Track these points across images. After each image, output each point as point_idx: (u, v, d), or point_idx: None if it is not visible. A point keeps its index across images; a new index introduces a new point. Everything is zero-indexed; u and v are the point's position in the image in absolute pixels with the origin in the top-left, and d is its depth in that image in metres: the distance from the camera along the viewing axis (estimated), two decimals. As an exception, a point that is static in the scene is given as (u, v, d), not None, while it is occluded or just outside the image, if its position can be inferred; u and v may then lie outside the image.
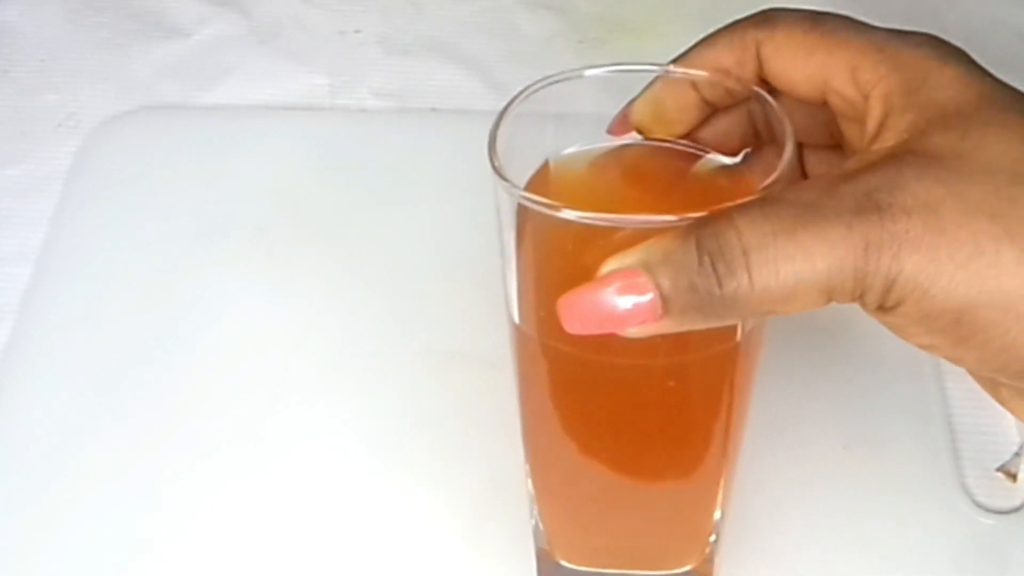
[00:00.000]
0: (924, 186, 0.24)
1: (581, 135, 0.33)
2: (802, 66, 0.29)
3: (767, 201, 0.25)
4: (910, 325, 0.25)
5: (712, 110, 0.32)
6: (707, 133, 0.33)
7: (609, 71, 0.32)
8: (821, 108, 0.30)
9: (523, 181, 0.31)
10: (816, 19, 0.30)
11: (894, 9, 0.56)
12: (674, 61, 0.32)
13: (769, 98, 0.30)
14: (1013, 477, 0.41)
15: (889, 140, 0.26)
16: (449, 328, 0.45)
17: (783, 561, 0.39)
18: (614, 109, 0.33)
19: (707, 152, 0.33)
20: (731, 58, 0.31)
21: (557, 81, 0.31)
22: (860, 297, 0.25)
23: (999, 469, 0.41)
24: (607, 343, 0.27)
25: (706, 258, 0.24)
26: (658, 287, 0.25)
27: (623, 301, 0.25)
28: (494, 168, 0.29)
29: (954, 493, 0.40)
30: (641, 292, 0.25)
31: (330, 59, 0.56)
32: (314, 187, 0.50)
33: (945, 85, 0.27)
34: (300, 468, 0.42)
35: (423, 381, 0.44)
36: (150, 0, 0.59)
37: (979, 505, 0.40)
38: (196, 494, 0.41)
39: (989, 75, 0.28)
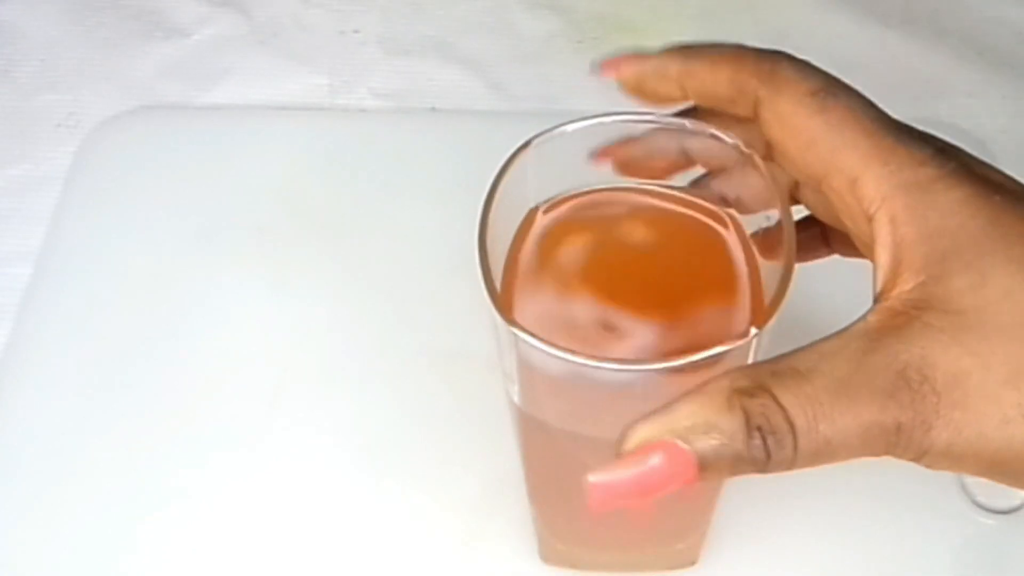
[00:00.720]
0: (952, 358, 0.25)
1: (565, 181, 0.32)
2: (800, 152, 0.29)
3: (802, 375, 0.25)
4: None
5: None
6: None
7: (590, 124, 0.31)
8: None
9: (510, 228, 0.31)
10: (823, 100, 0.28)
11: (893, 9, 0.56)
12: (673, 52, 0.31)
13: (764, 171, 0.30)
14: (1013, 477, 0.41)
15: (908, 282, 0.26)
16: (449, 328, 0.45)
17: (783, 561, 0.39)
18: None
19: (693, 198, 0.32)
20: (726, 93, 0.30)
21: (541, 142, 0.31)
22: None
23: (999, 469, 0.41)
24: (613, 424, 0.27)
25: (756, 435, 0.25)
26: (699, 457, 0.25)
27: (660, 475, 0.25)
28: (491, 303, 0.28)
29: (954, 493, 0.40)
30: (682, 464, 0.25)
31: (330, 59, 0.56)
32: (314, 187, 0.50)
33: (955, 210, 0.26)
34: (300, 467, 0.42)
35: (423, 381, 0.44)
36: (150, 0, 0.59)
37: (979, 505, 0.40)
38: (196, 494, 0.41)
39: (998, 189, 0.27)
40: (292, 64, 0.56)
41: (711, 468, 0.25)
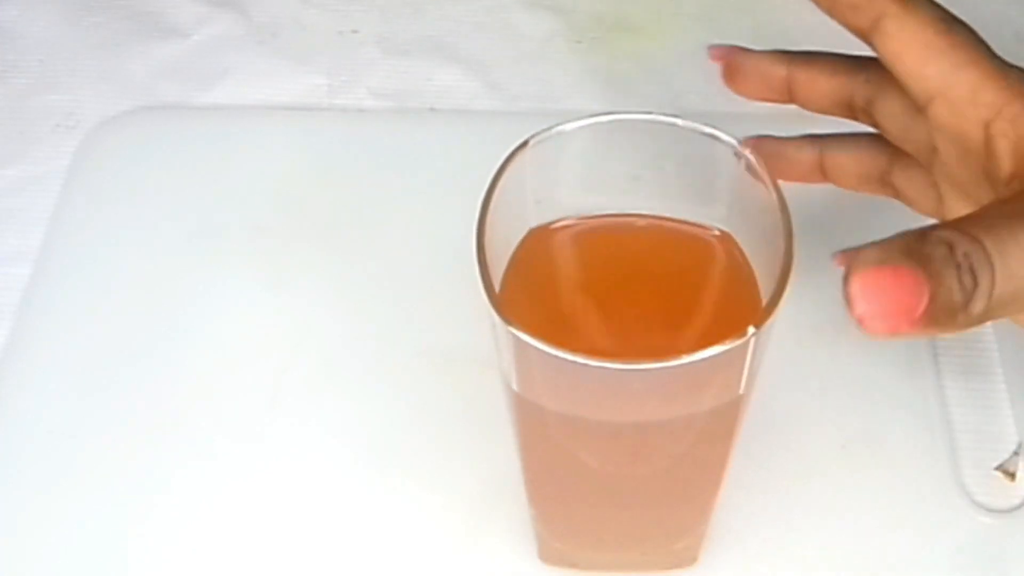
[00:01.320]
0: None
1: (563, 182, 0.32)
2: (921, 65, 0.31)
3: (981, 218, 0.27)
4: None
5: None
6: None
7: (587, 124, 0.31)
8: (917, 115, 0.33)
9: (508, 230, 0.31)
10: (949, 24, 0.31)
11: (892, 9, 0.56)
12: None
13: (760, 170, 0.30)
14: (1012, 476, 0.41)
15: None
16: (449, 328, 0.45)
17: (782, 561, 0.39)
18: (597, 159, 0.32)
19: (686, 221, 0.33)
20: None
21: (540, 141, 0.31)
22: None
23: (998, 468, 0.41)
24: (608, 404, 0.27)
25: (961, 262, 0.26)
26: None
27: (903, 288, 0.26)
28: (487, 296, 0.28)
29: (952, 492, 0.41)
30: (913, 280, 0.26)
31: (329, 59, 0.56)
32: (313, 187, 0.50)
33: None
34: (299, 467, 0.42)
35: (423, 381, 0.44)
36: (149, 0, 0.59)
37: (978, 504, 0.40)
38: (195, 494, 0.41)
39: None
40: (291, 64, 0.56)
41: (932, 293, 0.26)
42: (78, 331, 0.46)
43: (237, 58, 0.56)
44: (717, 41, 0.38)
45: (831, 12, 0.33)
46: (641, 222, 0.33)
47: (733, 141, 0.30)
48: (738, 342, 0.26)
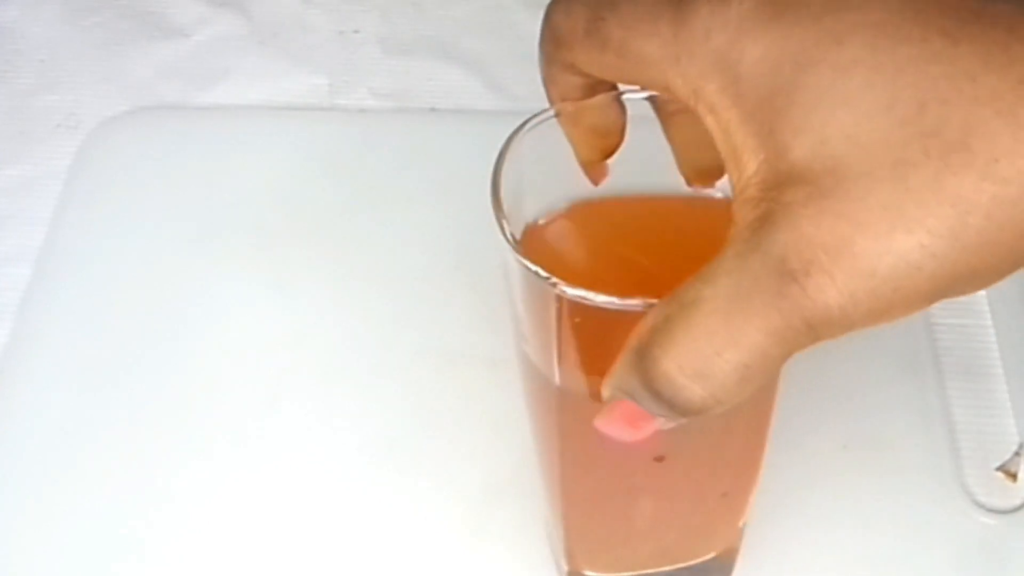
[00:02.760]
0: (827, 229, 0.22)
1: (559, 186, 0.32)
2: (624, 82, 0.28)
3: (687, 310, 0.23)
4: None
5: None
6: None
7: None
8: None
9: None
10: (598, 32, 0.26)
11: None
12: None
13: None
14: (1013, 476, 0.41)
15: (750, 164, 0.24)
16: (449, 328, 0.45)
17: (782, 561, 0.39)
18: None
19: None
20: (580, 83, 0.29)
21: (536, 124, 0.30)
22: None
23: (999, 468, 0.41)
24: None
25: (662, 398, 0.24)
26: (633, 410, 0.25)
27: (622, 429, 0.26)
28: (508, 240, 0.27)
29: (954, 493, 0.40)
30: (633, 415, 0.25)
31: (330, 59, 0.56)
32: (314, 187, 0.50)
33: (758, 71, 0.24)
34: (300, 467, 0.42)
35: (423, 381, 0.44)
36: (150, 0, 0.59)
37: (979, 505, 0.40)
38: (196, 494, 0.41)
39: (792, 20, 0.24)
40: (292, 64, 0.56)
41: (649, 419, 0.25)
42: (78, 331, 0.46)
43: (238, 58, 0.56)
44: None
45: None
46: (646, 199, 0.32)
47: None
48: None
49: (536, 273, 0.27)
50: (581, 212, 0.32)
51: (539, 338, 0.29)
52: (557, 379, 0.30)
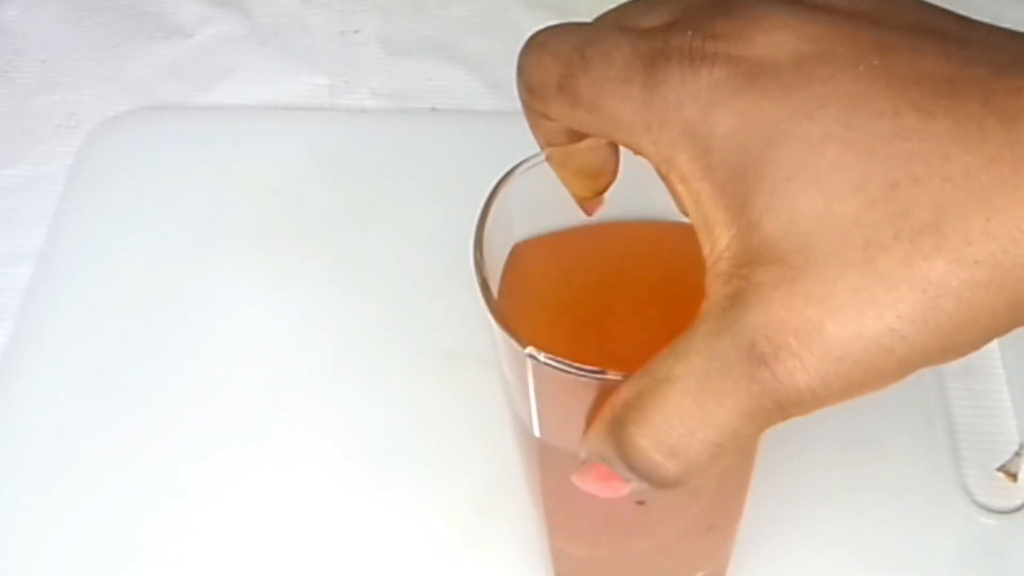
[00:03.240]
0: (796, 313, 0.22)
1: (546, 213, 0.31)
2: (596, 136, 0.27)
3: (660, 387, 0.23)
4: None
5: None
6: None
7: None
8: None
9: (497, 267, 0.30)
10: (570, 89, 0.25)
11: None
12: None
13: None
14: (1013, 477, 0.41)
15: (722, 238, 0.23)
16: (449, 328, 0.45)
17: (782, 562, 0.39)
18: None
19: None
20: (561, 129, 0.28)
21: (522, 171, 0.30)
22: None
23: (999, 469, 0.41)
24: None
25: (637, 471, 0.24)
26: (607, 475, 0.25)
27: (602, 480, 0.26)
28: (497, 323, 0.27)
29: (954, 493, 0.40)
30: (604, 480, 0.26)
31: (330, 59, 0.56)
32: (314, 187, 0.50)
33: (730, 144, 0.23)
34: (300, 467, 0.42)
35: (423, 381, 0.44)
36: (150, 0, 0.59)
37: (979, 505, 0.40)
38: (196, 494, 0.41)
39: (763, 90, 0.23)
40: (292, 64, 0.56)
41: (624, 484, 0.25)
42: (79, 331, 0.46)
43: (239, 58, 0.56)
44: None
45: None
46: (631, 226, 0.32)
47: None
48: None
49: (512, 340, 0.26)
50: (572, 235, 0.32)
51: (519, 391, 0.29)
52: (536, 431, 0.30)
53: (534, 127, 0.29)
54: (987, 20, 0.25)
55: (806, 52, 0.23)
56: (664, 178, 0.24)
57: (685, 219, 0.29)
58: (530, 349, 0.26)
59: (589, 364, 0.25)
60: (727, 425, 0.23)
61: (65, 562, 0.40)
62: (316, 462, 0.42)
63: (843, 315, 0.22)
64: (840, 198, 0.22)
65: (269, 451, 0.42)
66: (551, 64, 0.26)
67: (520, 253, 0.31)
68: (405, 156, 0.51)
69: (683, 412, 0.23)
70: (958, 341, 0.22)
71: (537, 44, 0.27)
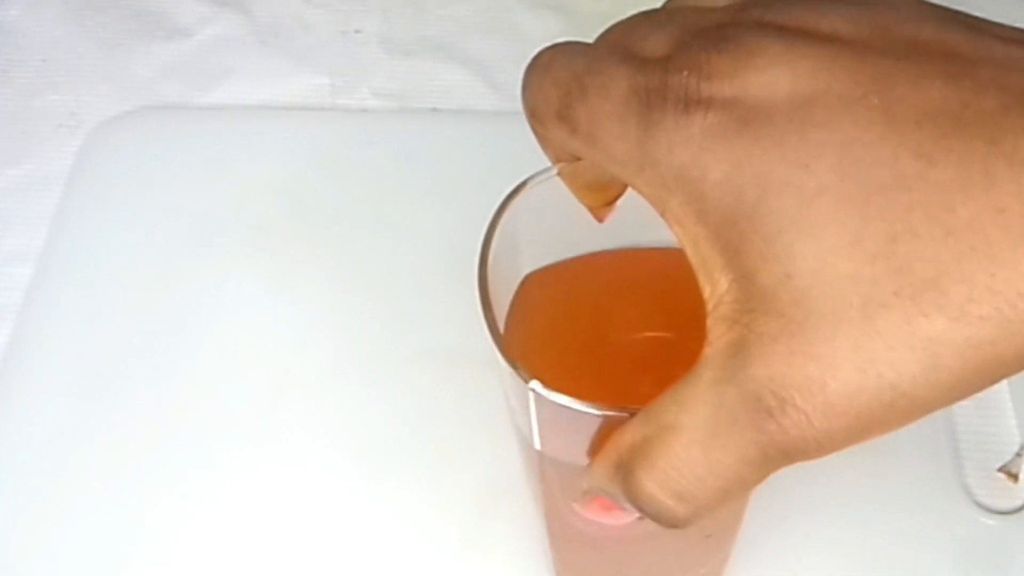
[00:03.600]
0: (798, 368, 0.22)
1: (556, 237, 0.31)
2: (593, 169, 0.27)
3: (667, 434, 0.24)
4: None
5: None
6: None
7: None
8: None
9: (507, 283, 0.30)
10: (568, 119, 0.25)
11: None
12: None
13: None
14: (1014, 477, 0.41)
15: (721, 283, 0.23)
16: (449, 328, 0.45)
17: (782, 562, 0.39)
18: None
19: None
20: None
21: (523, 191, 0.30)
22: None
23: (1000, 469, 0.41)
24: None
25: (644, 513, 0.25)
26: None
27: (605, 516, 0.27)
28: (502, 355, 0.27)
29: (955, 493, 0.40)
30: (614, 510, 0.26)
31: (331, 59, 0.56)
32: (315, 187, 0.50)
33: (722, 191, 0.23)
34: (300, 467, 0.42)
35: (423, 381, 0.44)
36: (151, 0, 0.59)
37: (980, 505, 0.40)
38: (196, 494, 0.41)
39: (756, 137, 0.22)
40: (293, 64, 0.56)
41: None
42: (80, 331, 0.46)
43: (239, 58, 0.56)
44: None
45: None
46: (640, 253, 0.32)
47: None
48: None
49: (515, 372, 0.26)
50: (582, 262, 0.32)
51: (520, 407, 0.29)
52: (537, 444, 0.30)
53: (542, 144, 0.29)
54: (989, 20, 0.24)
55: (802, 93, 0.22)
56: (661, 216, 0.24)
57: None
58: (534, 383, 0.26)
59: (595, 391, 0.25)
60: (734, 473, 0.23)
61: (65, 562, 0.40)
62: (316, 462, 0.42)
63: (843, 372, 0.22)
64: (836, 252, 0.21)
65: (269, 451, 0.42)
66: (551, 90, 0.26)
67: (530, 282, 0.31)
68: (405, 156, 0.51)
69: (691, 461, 0.23)
70: (963, 391, 0.22)
71: (540, 66, 0.27)
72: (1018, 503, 0.40)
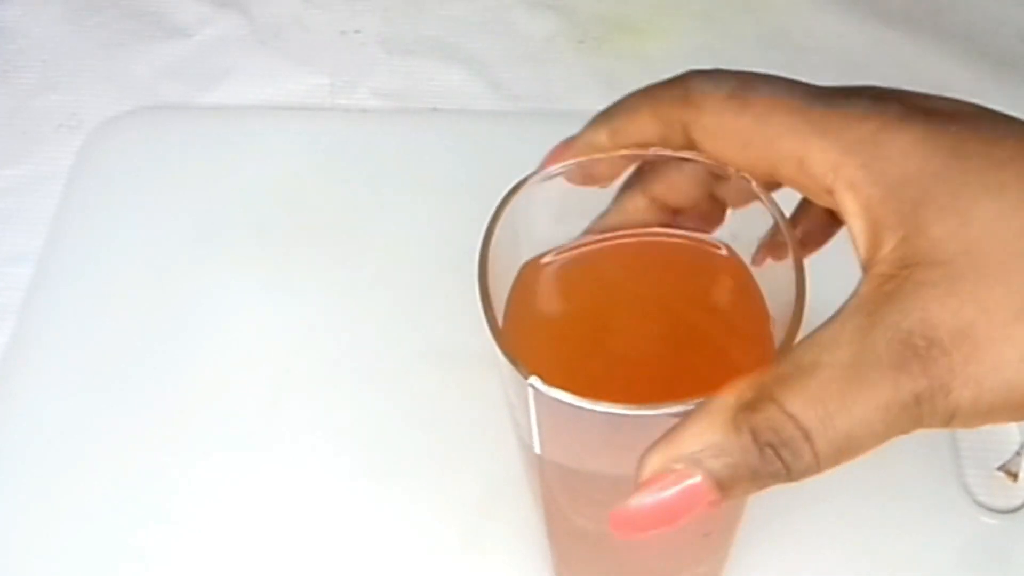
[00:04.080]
0: (952, 312, 0.23)
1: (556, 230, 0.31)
2: (740, 156, 0.28)
3: (805, 371, 0.24)
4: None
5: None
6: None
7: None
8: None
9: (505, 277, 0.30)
10: (743, 98, 0.27)
11: (894, 8, 0.56)
12: (595, 122, 0.30)
13: (768, 204, 0.28)
14: (1014, 476, 0.41)
15: (888, 242, 0.25)
16: (449, 328, 0.45)
17: (783, 561, 0.39)
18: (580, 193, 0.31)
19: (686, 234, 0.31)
20: (655, 133, 0.29)
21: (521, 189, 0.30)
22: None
23: (1000, 468, 0.41)
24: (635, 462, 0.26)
25: (768, 450, 0.24)
26: (715, 480, 0.24)
27: (680, 502, 0.24)
28: (501, 351, 0.27)
29: (955, 493, 0.40)
30: (697, 490, 0.24)
31: (331, 59, 0.56)
32: (314, 187, 0.50)
33: (911, 154, 0.25)
34: (300, 467, 0.42)
35: (423, 381, 0.44)
36: (151, 0, 0.59)
37: (980, 504, 0.40)
38: (196, 495, 0.41)
39: (952, 119, 0.25)
40: (293, 64, 0.56)
41: (732, 488, 0.24)
42: (80, 331, 0.46)
43: (239, 58, 0.56)
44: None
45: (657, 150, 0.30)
46: (639, 241, 0.32)
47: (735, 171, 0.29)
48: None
49: (514, 367, 0.26)
50: (581, 253, 0.32)
51: (520, 403, 0.29)
52: (537, 441, 0.30)
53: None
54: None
55: (971, 112, 0.26)
56: (819, 190, 0.26)
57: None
58: (533, 379, 0.26)
59: (596, 386, 0.25)
60: (864, 418, 0.24)
61: (65, 562, 0.40)
62: (316, 462, 0.42)
63: (999, 316, 0.23)
64: (1015, 210, 0.23)
65: (269, 451, 0.42)
66: (727, 78, 0.28)
67: (527, 272, 0.31)
68: (406, 156, 0.51)
69: (827, 398, 0.24)
70: None
71: (695, 71, 0.29)
72: (1018, 503, 0.40)
